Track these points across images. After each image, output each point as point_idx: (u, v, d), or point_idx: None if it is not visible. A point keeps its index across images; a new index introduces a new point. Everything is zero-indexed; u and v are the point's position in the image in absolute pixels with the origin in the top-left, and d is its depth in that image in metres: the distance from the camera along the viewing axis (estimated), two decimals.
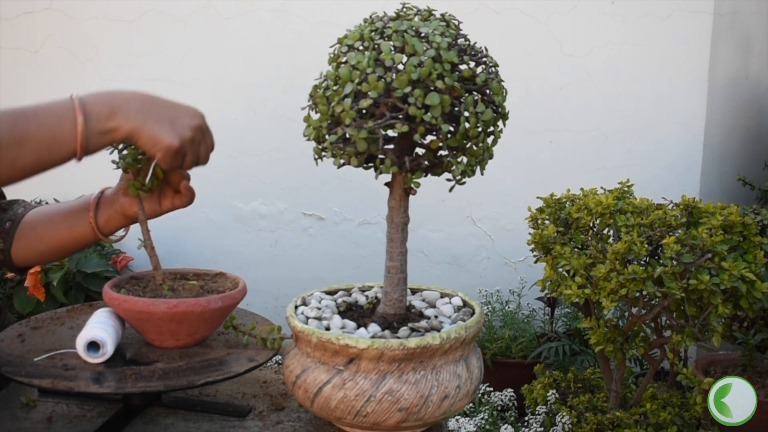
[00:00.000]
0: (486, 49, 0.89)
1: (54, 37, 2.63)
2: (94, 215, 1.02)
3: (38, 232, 1.04)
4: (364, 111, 0.86)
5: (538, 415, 1.88)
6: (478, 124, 0.84)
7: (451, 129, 0.84)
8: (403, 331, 0.88)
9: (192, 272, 1.09)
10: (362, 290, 1.04)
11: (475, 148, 0.86)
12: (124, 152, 0.98)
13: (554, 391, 1.87)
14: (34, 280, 2.14)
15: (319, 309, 0.95)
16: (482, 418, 1.96)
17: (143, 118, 0.88)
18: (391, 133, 0.85)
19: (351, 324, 0.91)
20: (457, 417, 1.96)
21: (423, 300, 1.01)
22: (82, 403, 1.02)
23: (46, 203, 2.57)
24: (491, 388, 2.10)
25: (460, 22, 0.91)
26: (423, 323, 0.90)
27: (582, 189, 1.63)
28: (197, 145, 0.92)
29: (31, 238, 1.04)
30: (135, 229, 1.05)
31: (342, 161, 0.88)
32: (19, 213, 1.06)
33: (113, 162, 0.99)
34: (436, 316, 0.95)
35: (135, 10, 2.58)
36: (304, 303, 0.98)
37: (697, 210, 1.44)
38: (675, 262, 1.34)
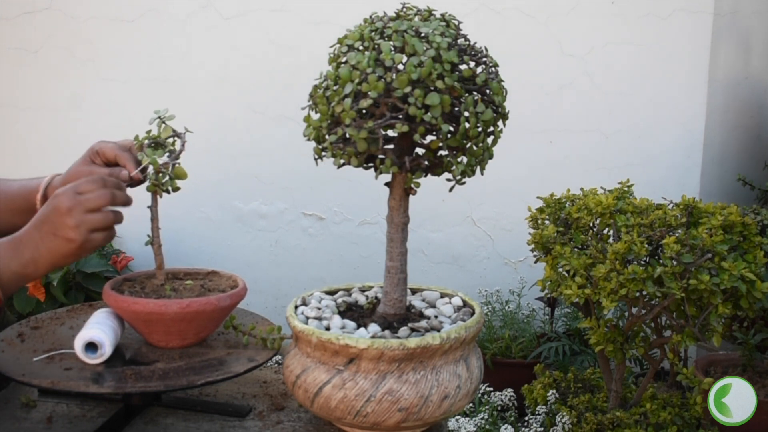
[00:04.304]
0: (486, 49, 0.89)
1: (54, 37, 2.63)
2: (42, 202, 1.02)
3: None
4: (364, 111, 0.86)
5: (538, 415, 1.88)
6: (478, 124, 0.84)
7: (451, 129, 0.84)
8: (403, 331, 0.88)
9: (183, 272, 1.09)
10: (362, 290, 1.04)
11: (475, 148, 0.86)
12: (147, 150, 0.99)
13: (554, 391, 1.87)
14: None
15: (319, 309, 0.95)
16: (482, 418, 1.96)
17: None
18: (391, 133, 0.85)
19: (351, 324, 0.91)
20: (457, 417, 1.96)
21: (423, 300, 1.02)
22: (82, 403, 1.02)
23: None
24: (491, 388, 2.10)
25: (460, 22, 0.91)
26: (423, 323, 0.90)
27: (582, 189, 1.63)
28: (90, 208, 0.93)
29: None
30: (137, 226, 1.06)
31: (342, 161, 0.88)
32: None
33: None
34: (436, 316, 0.95)
35: (135, 10, 2.58)
36: (304, 303, 0.98)
37: (697, 210, 1.44)
38: (675, 262, 1.34)
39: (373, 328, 0.89)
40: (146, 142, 1.01)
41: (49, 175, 1.08)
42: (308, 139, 0.91)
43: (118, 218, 0.96)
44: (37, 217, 0.93)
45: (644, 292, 1.38)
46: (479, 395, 2.10)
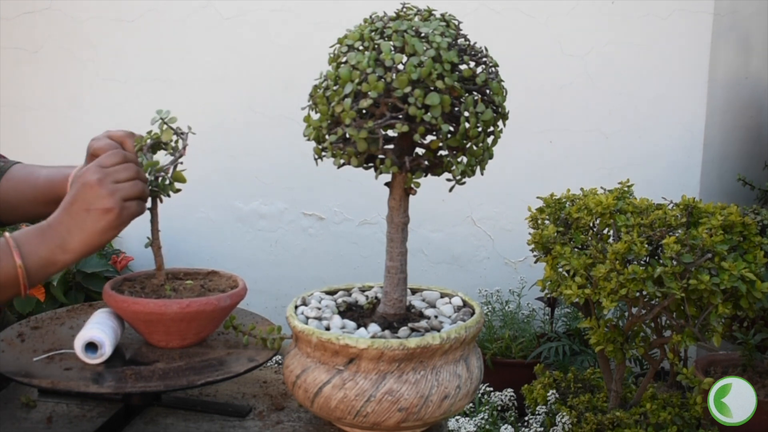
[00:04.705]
0: (486, 49, 0.89)
1: (54, 37, 2.63)
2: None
3: (11, 198, 1.07)
4: (364, 111, 0.86)
5: (538, 415, 1.88)
6: (478, 124, 0.84)
7: (451, 129, 0.84)
8: (403, 331, 0.88)
9: (183, 271, 1.09)
10: (362, 290, 1.04)
11: (475, 148, 0.86)
12: (147, 155, 0.99)
13: (554, 391, 1.87)
14: None
15: (319, 309, 0.95)
16: (482, 418, 1.96)
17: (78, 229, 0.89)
18: (391, 133, 0.85)
19: (351, 324, 0.91)
20: (457, 417, 1.96)
21: (423, 300, 1.01)
22: (82, 403, 1.02)
23: None
24: (491, 388, 2.10)
25: (460, 22, 0.91)
26: (423, 323, 0.90)
27: (582, 189, 1.63)
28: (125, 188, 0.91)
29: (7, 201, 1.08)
30: (137, 227, 1.05)
31: (342, 161, 0.88)
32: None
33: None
34: (436, 316, 0.95)
35: (135, 10, 2.58)
36: (304, 303, 0.98)
37: (697, 210, 1.44)
38: (675, 262, 1.34)
39: (373, 328, 0.89)
40: (148, 142, 1.00)
41: (80, 165, 1.05)
42: (308, 139, 0.91)
43: (146, 190, 0.95)
44: (65, 201, 0.90)
45: (644, 292, 1.38)
46: (479, 395, 2.10)
